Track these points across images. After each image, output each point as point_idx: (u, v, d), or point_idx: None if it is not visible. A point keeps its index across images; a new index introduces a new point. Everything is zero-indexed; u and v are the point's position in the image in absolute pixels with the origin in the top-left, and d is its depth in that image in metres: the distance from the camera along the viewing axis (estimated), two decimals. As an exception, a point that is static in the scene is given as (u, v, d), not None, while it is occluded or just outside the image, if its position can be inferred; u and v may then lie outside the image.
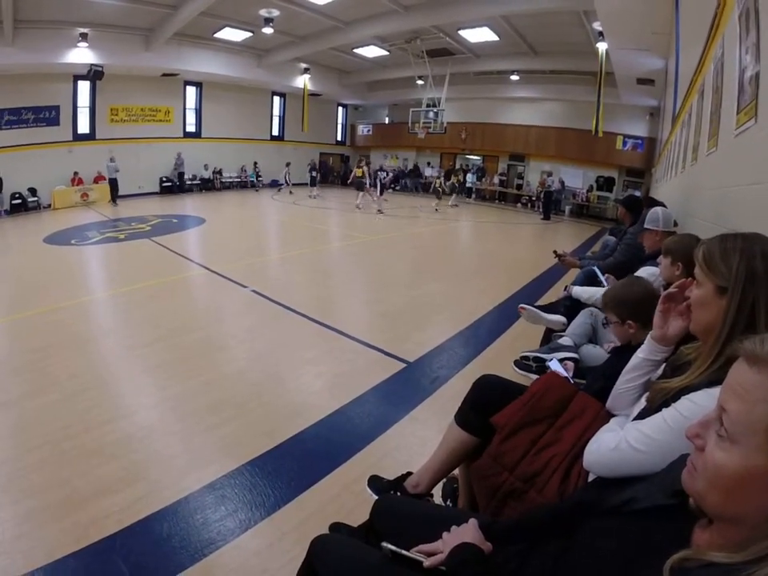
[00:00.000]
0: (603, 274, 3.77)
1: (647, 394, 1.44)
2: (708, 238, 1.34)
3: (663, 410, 1.24)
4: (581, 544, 0.96)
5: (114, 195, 16.63)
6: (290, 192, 20.63)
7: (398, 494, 2.00)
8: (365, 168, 17.41)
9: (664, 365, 1.49)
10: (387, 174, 18.07)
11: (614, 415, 1.62)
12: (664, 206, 3.97)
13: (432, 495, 2.04)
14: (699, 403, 1.13)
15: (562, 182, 19.34)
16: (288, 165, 21.18)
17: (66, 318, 5.20)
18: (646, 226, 3.29)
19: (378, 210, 16.16)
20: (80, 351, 4.32)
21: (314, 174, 20.35)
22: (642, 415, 1.36)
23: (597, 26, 11.24)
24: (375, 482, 2.16)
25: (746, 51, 2.44)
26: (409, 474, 2.07)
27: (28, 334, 4.73)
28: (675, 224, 3.30)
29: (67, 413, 3.23)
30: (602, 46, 12.25)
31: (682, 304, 1.46)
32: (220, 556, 2.09)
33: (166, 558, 2.07)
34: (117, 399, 3.50)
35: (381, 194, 17.93)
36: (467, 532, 1.15)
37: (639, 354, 1.56)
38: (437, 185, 19.04)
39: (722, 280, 1.22)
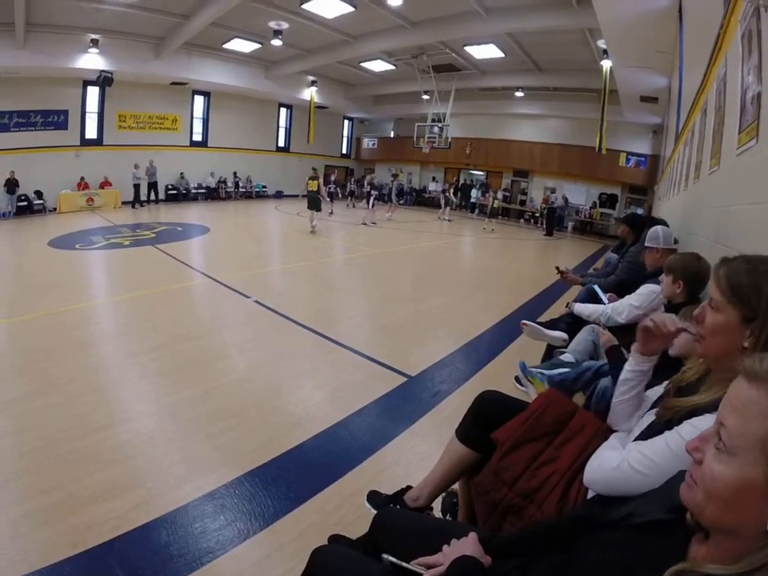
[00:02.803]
0: (605, 292, 3.78)
1: (654, 410, 1.44)
2: (726, 260, 1.31)
3: (666, 432, 1.25)
4: (580, 558, 0.97)
5: (136, 200, 17.41)
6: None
7: (398, 507, 2.00)
8: (320, 180, 13.68)
9: (666, 384, 1.50)
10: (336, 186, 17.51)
11: (613, 431, 1.63)
12: (665, 224, 3.98)
13: (432, 509, 2.04)
14: (700, 428, 1.12)
15: (566, 199, 19.42)
16: (395, 176, 19.10)
17: (68, 321, 5.21)
18: (646, 244, 3.30)
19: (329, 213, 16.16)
20: (81, 355, 4.32)
21: (329, 188, 18.69)
22: (647, 432, 1.37)
23: (601, 44, 11.38)
24: (374, 498, 2.16)
25: (748, 72, 2.46)
26: (409, 487, 2.08)
27: (30, 336, 4.75)
28: (676, 242, 3.31)
29: (66, 416, 3.23)
30: (606, 64, 12.34)
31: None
32: (217, 565, 2.08)
33: (163, 566, 2.06)
34: (116, 405, 3.50)
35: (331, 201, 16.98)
36: (467, 545, 1.16)
37: (627, 368, 1.63)
38: (493, 204, 17.79)
39: (749, 311, 1.19)
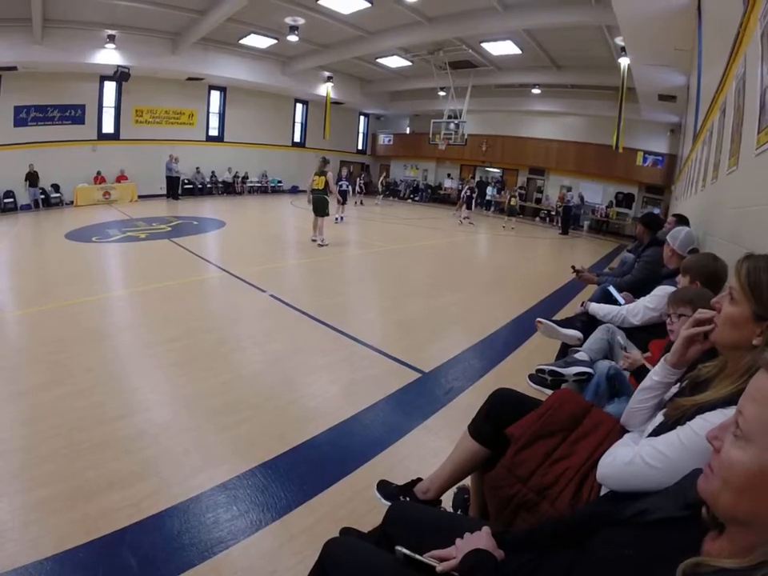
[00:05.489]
0: (620, 292, 3.76)
1: (664, 409, 1.44)
2: (751, 256, 1.32)
3: (678, 427, 1.25)
4: (593, 554, 0.97)
5: (174, 192, 18.53)
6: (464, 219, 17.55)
7: (407, 499, 2.02)
8: (328, 176, 10.38)
9: (685, 382, 1.49)
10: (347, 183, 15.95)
11: (627, 430, 1.63)
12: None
13: (441, 502, 2.05)
14: (712, 422, 1.12)
15: (582, 197, 19.29)
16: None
17: (84, 312, 5.28)
18: (667, 237, 3.33)
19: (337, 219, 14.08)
20: (97, 346, 4.37)
21: (341, 185, 14.97)
22: (657, 431, 1.37)
23: (619, 41, 11.25)
24: (384, 487, 2.18)
25: (767, 71, 2.43)
26: (419, 479, 2.09)
27: (47, 327, 4.81)
28: (691, 251, 3.27)
29: (82, 406, 3.28)
30: (624, 61, 12.21)
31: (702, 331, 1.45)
32: (229, 555, 2.10)
33: (175, 554, 2.08)
34: (132, 395, 3.53)
35: (343, 201, 14.71)
36: (480, 539, 1.16)
37: (654, 377, 1.57)
38: (510, 203, 17.61)
39: (763, 309, 1.22)
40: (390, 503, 1.81)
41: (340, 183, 15.01)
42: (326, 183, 10.33)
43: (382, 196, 23.21)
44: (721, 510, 0.78)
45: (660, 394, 1.55)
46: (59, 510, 2.30)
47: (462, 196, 19.43)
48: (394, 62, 18.61)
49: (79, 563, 2.01)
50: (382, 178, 23.93)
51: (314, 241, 10.39)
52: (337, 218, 14.14)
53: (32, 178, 14.70)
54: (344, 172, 16.76)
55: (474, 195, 18.18)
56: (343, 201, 14.79)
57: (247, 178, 22.18)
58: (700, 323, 1.45)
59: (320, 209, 10.31)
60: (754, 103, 2.67)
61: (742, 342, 1.25)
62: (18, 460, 2.67)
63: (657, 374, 1.57)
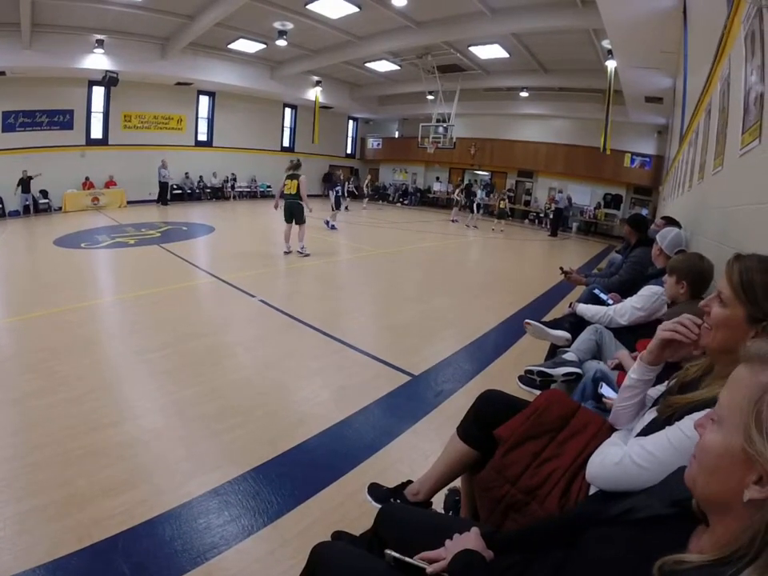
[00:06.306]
0: (608, 292, 3.79)
1: (656, 407, 1.46)
2: (740, 257, 1.32)
3: (666, 428, 1.27)
4: (582, 553, 0.98)
5: (163, 198, 18.24)
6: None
7: (398, 501, 2.03)
8: (301, 179, 9.45)
9: (669, 381, 1.51)
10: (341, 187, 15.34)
11: (615, 429, 1.65)
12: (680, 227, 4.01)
13: (431, 504, 2.07)
14: None
15: (570, 199, 19.37)
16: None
17: (75, 319, 5.24)
18: (657, 236, 3.37)
19: (331, 226, 13.69)
20: (87, 353, 4.35)
21: (337, 191, 14.77)
22: (645, 431, 1.38)
23: (606, 44, 11.32)
24: (375, 490, 2.18)
25: (751, 72, 2.46)
26: (409, 482, 2.10)
27: (37, 334, 4.77)
28: (678, 252, 3.30)
29: (73, 413, 3.26)
30: (610, 64, 12.31)
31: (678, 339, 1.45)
32: (221, 561, 2.10)
33: (168, 561, 2.08)
34: (123, 402, 3.52)
35: (337, 207, 14.38)
36: (469, 539, 1.17)
37: (632, 375, 1.58)
38: (500, 205, 18.16)
39: (757, 311, 1.21)
40: (380, 506, 1.82)
41: (336, 189, 14.85)
42: (299, 188, 9.41)
43: (367, 200, 23.15)
44: (698, 494, 0.82)
45: (641, 391, 1.57)
46: (51, 517, 2.29)
47: (456, 200, 19.49)
48: (383, 66, 18.67)
49: (72, 571, 2.01)
50: (367, 182, 23.77)
51: (288, 253, 9.61)
52: (329, 222, 13.97)
53: (25, 184, 14.59)
54: (340, 176, 16.30)
55: (474, 198, 18.66)
56: (337, 207, 14.47)
57: (236, 180, 22.11)
58: (678, 331, 1.45)
59: (294, 216, 9.56)
60: (739, 104, 2.71)
61: (734, 343, 1.21)
62: (9, 468, 2.65)
63: (635, 372, 1.58)
